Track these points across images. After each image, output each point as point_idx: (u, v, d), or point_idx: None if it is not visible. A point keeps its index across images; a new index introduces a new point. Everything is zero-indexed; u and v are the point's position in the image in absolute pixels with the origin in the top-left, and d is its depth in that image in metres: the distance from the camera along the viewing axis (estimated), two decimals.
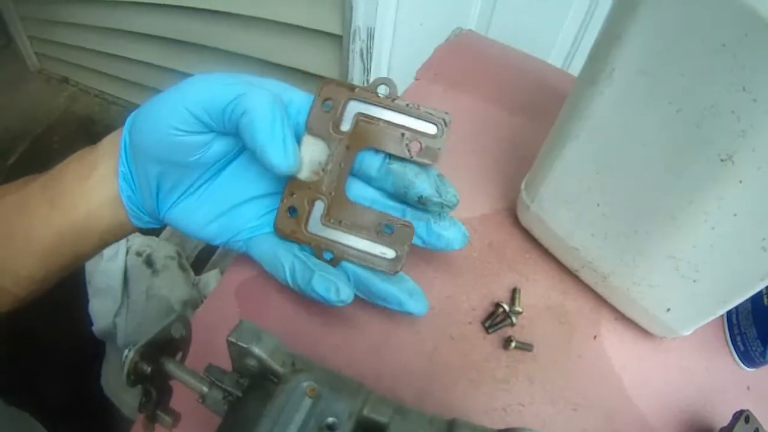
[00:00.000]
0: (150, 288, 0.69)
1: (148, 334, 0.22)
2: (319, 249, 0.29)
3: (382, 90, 0.28)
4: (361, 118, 0.28)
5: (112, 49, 1.24)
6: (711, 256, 0.29)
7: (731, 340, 0.39)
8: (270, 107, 0.25)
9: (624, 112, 0.28)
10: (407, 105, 0.28)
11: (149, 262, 0.70)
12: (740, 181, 0.24)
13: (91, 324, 0.69)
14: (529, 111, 0.47)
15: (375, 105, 0.28)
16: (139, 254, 0.71)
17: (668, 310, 0.33)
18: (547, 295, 0.37)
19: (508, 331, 0.34)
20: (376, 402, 0.20)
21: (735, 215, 0.26)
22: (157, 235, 0.81)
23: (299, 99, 0.28)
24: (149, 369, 0.21)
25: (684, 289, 0.31)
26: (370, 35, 0.82)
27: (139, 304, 0.66)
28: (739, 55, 0.22)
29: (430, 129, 0.28)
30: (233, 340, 0.20)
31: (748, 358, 0.38)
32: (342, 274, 0.29)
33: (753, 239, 0.26)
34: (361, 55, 0.84)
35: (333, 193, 0.29)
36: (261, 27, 0.90)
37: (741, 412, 0.32)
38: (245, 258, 0.34)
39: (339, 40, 0.85)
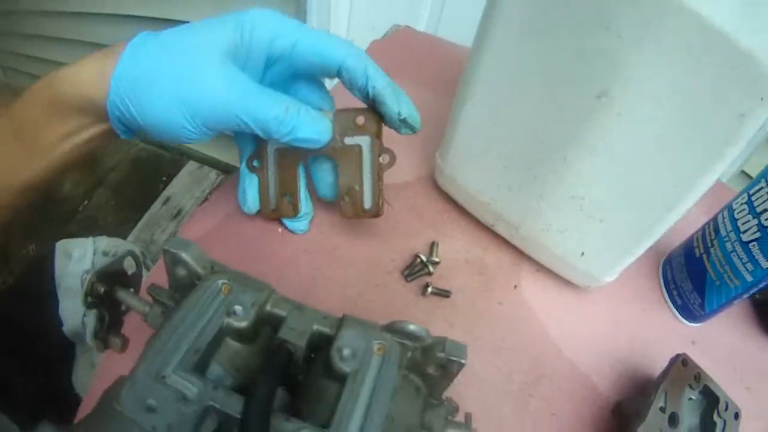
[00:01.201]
0: None
1: (104, 263, 0.26)
2: None
3: None
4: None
5: (78, 59, 1.27)
6: (610, 193, 0.32)
7: (668, 295, 0.42)
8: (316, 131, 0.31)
9: (506, 68, 0.32)
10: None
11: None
12: (618, 114, 0.28)
13: (62, 325, 0.71)
14: (446, 88, 0.51)
15: None
16: (105, 254, 0.74)
17: (582, 254, 0.36)
18: (466, 250, 0.40)
19: (426, 280, 0.38)
20: (278, 300, 0.23)
21: (621, 148, 0.29)
22: (124, 237, 0.83)
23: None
24: (103, 289, 0.25)
25: (593, 230, 0.34)
26: None
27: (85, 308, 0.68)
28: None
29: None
30: (167, 248, 0.23)
31: (687, 311, 0.40)
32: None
33: (647, 170, 0.29)
34: None
35: None
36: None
37: (678, 355, 0.33)
38: (192, 223, 0.39)
39: None
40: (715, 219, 0.38)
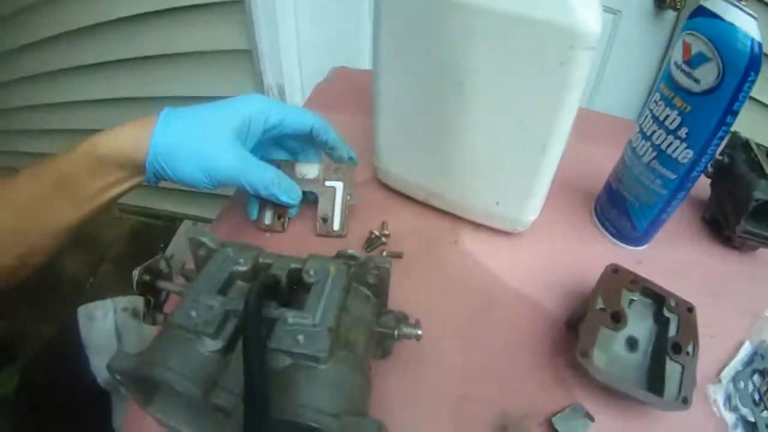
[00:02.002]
0: (140, 338, 0.81)
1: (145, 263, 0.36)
2: None
3: None
4: None
5: (45, 124, 1.35)
6: (493, 149, 0.42)
7: (603, 228, 0.51)
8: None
9: (396, 80, 0.44)
10: None
11: (136, 314, 0.83)
12: (475, 92, 0.39)
13: (94, 380, 0.80)
14: None
15: None
16: (125, 309, 0.84)
17: (497, 203, 0.47)
18: (410, 224, 0.52)
19: (382, 248, 0.49)
20: (266, 254, 0.34)
21: (486, 114, 0.40)
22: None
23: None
24: (148, 278, 0.35)
25: (496, 180, 0.45)
26: (281, 90, 1.00)
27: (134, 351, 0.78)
28: (435, 24, 0.38)
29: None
30: (191, 236, 0.35)
31: (625, 236, 0.48)
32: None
33: (512, 125, 0.39)
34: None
35: None
36: (184, 103, 1.07)
37: (608, 266, 0.38)
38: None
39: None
40: (622, 154, 0.48)
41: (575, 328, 0.38)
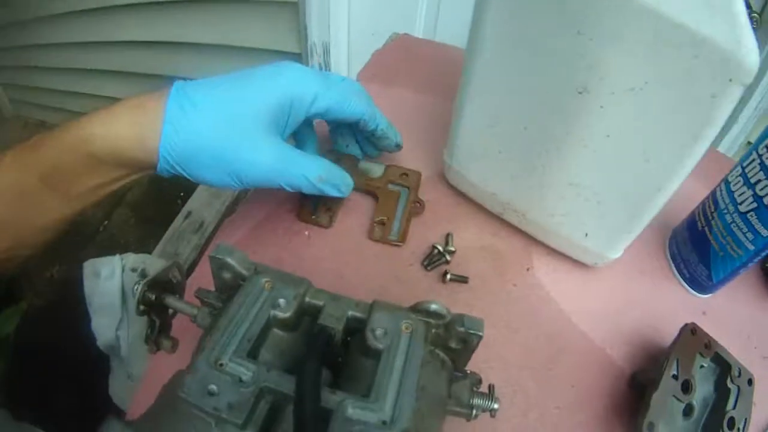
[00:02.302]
0: None
1: (152, 275, 0.28)
2: None
3: None
4: None
5: (86, 88, 1.29)
6: (603, 177, 0.34)
7: (676, 270, 0.43)
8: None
9: (497, 71, 0.34)
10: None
11: (144, 275, 0.76)
12: (601, 107, 0.30)
13: (95, 340, 0.74)
14: (451, 91, 0.54)
15: None
16: (134, 270, 0.77)
17: (586, 235, 0.39)
18: (479, 238, 0.43)
19: (445, 268, 0.40)
20: (315, 292, 0.26)
21: (607, 137, 0.32)
22: (150, 252, 0.87)
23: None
24: (153, 297, 0.27)
25: (593, 212, 0.37)
26: (326, 50, 0.89)
27: (137, 316, 0.72)
28: (570, 5, 0.28)
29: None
30: (213, 254, 0.26)
31: (696, 283, 0.42)
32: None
33: (633, 154, 0.32)
34: (321, 69, 0.91)
35: None
36: (222, 53, 0.97)
37: (687, 325, 0.35)
38: (226, 231, 0.42)
39: (298, 58, 0.92)
40: (714, 192, 0.40)
41: (639, 389, 0.35)
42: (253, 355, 0.22)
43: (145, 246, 1.20)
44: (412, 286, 0.39)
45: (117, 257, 0.79)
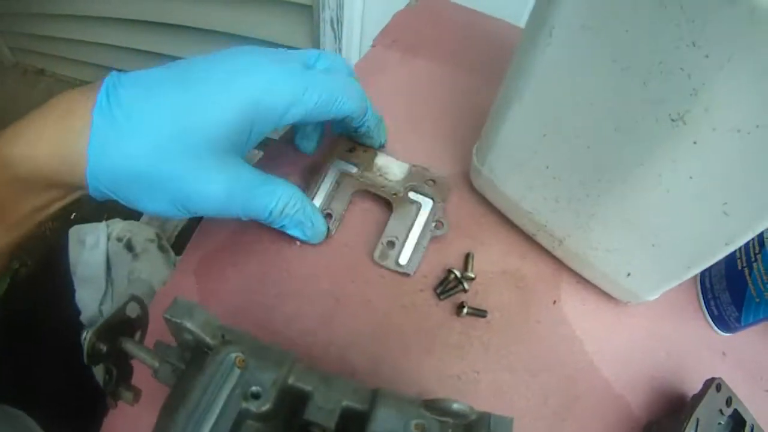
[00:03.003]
0: (131, 272, 0.70)
1: (105, 317, 0.23)
2: None
3: None
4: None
5: (86, 36, 1.22)
6: (669, 220, 0.28)
7: (705, 305, 0.39)
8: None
9: (567, 71, 0.27)
10: None
11: (129, 246, 0.71)
12: (694, 143, 0.23)
13: (79, 314, 0.70)
14: (488, 72, 0.46)
15: None
16: (119, 239, 0.72)
17: (629, 275, 0.33)
18: (503, 260, 0.37)
19: (461, 298, 0.34)
20: (302, 372, 0.20)
21: (691, 178, 0.25)
22: (137, 219, 0.81)
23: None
24: (105, 348, 0.22)
25: (643, 253, 0.31)
26: (340, 4, 0.80)
27: (122, 289, 0.67)
28: (687, 8, 0.20)
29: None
30: (168, 316, 0.20)
31: (722, 323, 0.38)
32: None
33: (712, 203, 0.25)
34: (332, 23, 0.82)
35: None
36: (232, 3, 0.88)
37: (712, 380, 0.32)
38: (202, 236, 0.36)
39: (309, 11, 0.83)
40: (761, 232, 0.34)
41: None
42: None
43: None
44: (421, 318, 0.33)
45: (103, 224, 0.74)
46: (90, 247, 0.70)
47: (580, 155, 0.29)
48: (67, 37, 1.26)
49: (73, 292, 0.70)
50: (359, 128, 0.35)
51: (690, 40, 0.20)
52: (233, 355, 0.19)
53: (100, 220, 0.76)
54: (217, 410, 0.18)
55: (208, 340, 0.19)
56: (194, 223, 0.87)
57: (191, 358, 0.21)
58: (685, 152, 0.24)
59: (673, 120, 0.23)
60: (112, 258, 0.71)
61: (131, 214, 0.77)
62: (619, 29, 0.23)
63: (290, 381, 0.19)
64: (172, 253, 0.73)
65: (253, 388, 0.18)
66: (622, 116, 0.25)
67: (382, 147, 0.38)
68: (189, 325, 0.19)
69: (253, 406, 0.18)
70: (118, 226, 0.73)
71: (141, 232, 0.72)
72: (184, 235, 0.83)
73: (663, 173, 0.25)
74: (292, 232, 0.32)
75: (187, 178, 0.25)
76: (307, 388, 0.19)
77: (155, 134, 0.24)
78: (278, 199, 0.29)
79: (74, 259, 0.70)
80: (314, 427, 0.19)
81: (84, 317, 0.69)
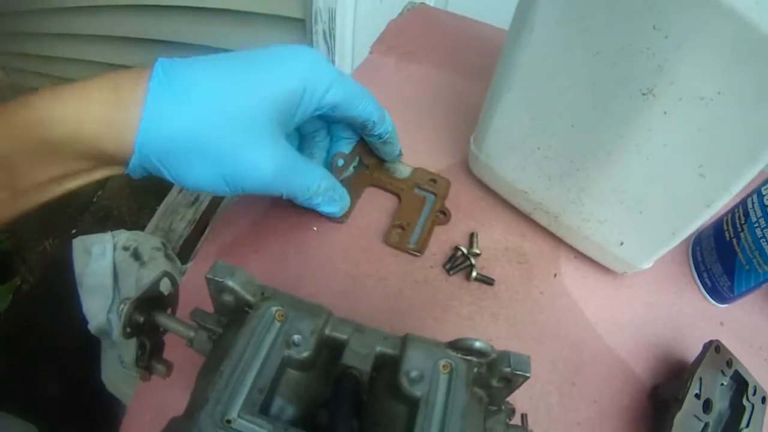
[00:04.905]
0: (139, 280, 0.71)
1: (140, 291, 0.24)
2: None
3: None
4: None
5: (81, 55, 1.24)
6: (651, 187, 0.31)
7: (698, 277, 0.41)
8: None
9: (547, 61, 0.30)
10: None
11: (136, 255, 0.72)
12: (664, 113, 0.26)
13: (86, 323, 0.70)
14: (479, 73, 0.49)
15: None
16: (126, 249, 0.73)
17: (621, 244, 0.35)
18: (505, 239, 0.39)
19: (468, 272, 0.36)
20: (337, 322, 0.22)
21: (665, 145, 0.28)
22: (142, 229, 0.83)
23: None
24: (142, 319, 0.23)
25: (632, 221, 0.33)
26: (332, 16, 0.83)
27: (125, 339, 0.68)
28: None
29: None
30: (210, 276, 0.22)
31: (717, 293, 0.40)
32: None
33: (689, 167, 0.28)
34: (324, 36, 0.85)
35: None
36: (225, 18, 0.91)
37: (711, 342, 0.34)
38: (223, 225, 0.38)
39: (302, 24, 0.86)
40: (744, 203, 0.37)
41: (660, 403, 0.34)
42: (266, 405, 0.19)
43: (138, 217, 1.15)
44: (433, 292, 0.36)
45: (108, 234, 0.75)
46: (96, 256, 0.71)
47: (566, 134, 0.32)
48: (62, 56, 1.28)
49: (75, 305, 0.71)
50: (380, 134, 0.36)
51: (651, 23, 0.24)
52: (274, 309, 0.21)
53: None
54: (261, 359, 0.20)
55: (248, 297, 0.21)
56: (197, 234, 0.88)
57: (228, 322, 0.23)
58: (658, 122, 0.27)
59: (643, 94, 0.26)
60: (119, 267, 0.72)
61: (133, 228, 0.78)
62: (589, 21, 0.26)
63: (327, 331, 0.21)
64: (179, 262, 0.74)
65: (295, 337, 0.20)
66: (598, 95, 0.29)
67: (399, 157, 0.41)
68: (231, 283, 0.21)
69: (294, 353, 0.20)
70: (124, 236, 0.74)
71: (147, 242, 0.73)
72: (189, 244, 0.84)
73: (640, 143, 0.28)
74: (324, 208, 0.34)
75: (243, 152, 0.26)
76: (343, 336, 0.21)
77: (213, 107, 0.25)
78: (320, 178, 0.31)
79: (80, 269, 0.71)
80: (348, 377, 0.21)
81: (92, 326, 0.70)
